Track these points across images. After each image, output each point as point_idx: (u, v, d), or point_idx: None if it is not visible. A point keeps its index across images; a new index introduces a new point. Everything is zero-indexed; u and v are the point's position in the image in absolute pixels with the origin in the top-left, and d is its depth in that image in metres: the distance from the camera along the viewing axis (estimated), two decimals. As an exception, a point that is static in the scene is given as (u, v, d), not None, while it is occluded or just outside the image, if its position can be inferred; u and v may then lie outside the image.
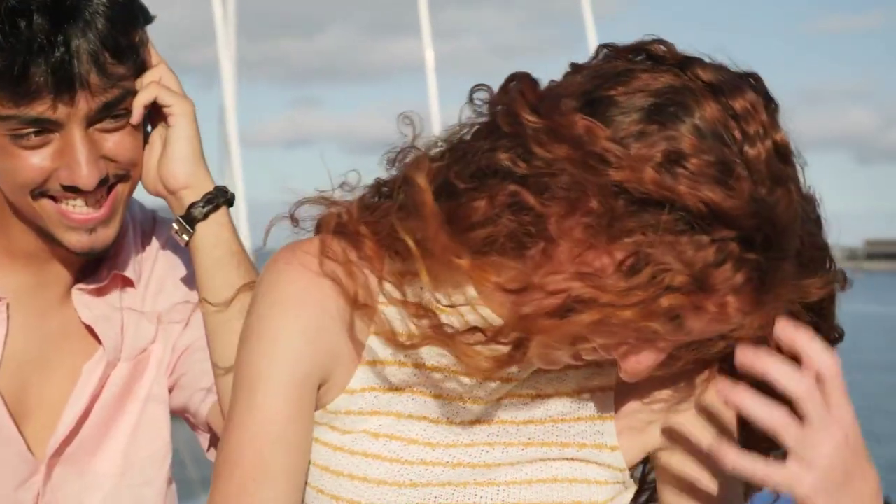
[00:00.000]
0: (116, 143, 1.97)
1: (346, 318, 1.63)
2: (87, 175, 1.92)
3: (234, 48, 18.69)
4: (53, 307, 2.09)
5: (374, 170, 1.69)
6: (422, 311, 1.58)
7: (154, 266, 2.17)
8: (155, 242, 2.18)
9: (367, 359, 1.64)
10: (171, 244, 2.16)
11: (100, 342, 2.10)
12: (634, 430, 1.70)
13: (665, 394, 1.69)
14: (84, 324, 2.09)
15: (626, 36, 1.54)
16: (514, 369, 1.60)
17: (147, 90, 1.99)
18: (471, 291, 1.57)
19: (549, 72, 1.55)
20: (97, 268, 2.10)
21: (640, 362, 1.53)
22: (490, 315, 1.58)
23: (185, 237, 2.02)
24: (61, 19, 1.86)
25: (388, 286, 1.62)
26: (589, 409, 1.69)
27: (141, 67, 2.00)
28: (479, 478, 1.65)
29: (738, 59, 1.50)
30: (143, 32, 2.00)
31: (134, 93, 1.98)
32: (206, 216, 2.00)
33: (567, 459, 1.67)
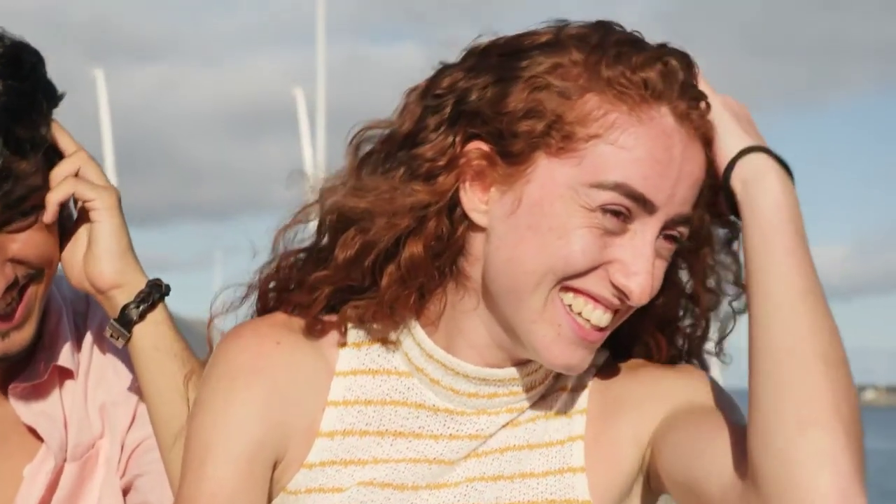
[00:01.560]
0: (25, 243, 1.85)
1: (300, 390, 1.63)
2: None
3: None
4: None
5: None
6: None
7: (92, 353, 2.03)
8: (91, 326, 2.04)
9: (324, 430, 1.63)
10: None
11: (41, 440, 1.97)
12: (609, 482, 1.65)
13: (631, 430, 1.65)
14: (24, 423, 1.97)
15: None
16: (482, 425, 1.64)
17: (62, 186, 1.86)
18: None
19: None
20: (32, 361, 1.97)
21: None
22: (423, 337, 1.65)
23: (121, 341, 1.92)
24: None
25: (342, 344, 1.66)
26: (559, 462, 1.66)
27: (51, 159, 1.87)
28: None
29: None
30: (48, 119, 1.88)
31: (44, 188, 1.85)
32: (142, 316, 1.89)
33: None
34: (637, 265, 1.57)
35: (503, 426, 1.66)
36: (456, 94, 1.61)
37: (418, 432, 1.64)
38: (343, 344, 1.67)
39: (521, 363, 1.66)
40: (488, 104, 1.58)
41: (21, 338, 1.89)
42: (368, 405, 1.65)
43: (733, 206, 1.58)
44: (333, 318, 1.67)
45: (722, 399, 1.64)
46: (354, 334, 1.68)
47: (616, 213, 1.56)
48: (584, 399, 1.69)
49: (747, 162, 1.56)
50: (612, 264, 1.57)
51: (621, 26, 1.63)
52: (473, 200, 1.60)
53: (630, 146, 1.55)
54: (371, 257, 1.62)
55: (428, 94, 1.63)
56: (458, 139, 1.60)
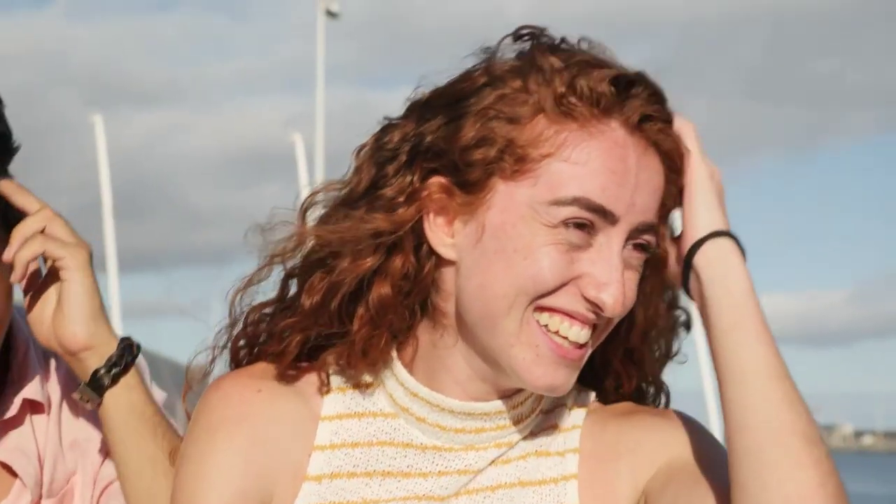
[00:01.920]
0: None
1: (283, 436, 1.64)
2: None
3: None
4: None
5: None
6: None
7: (62, 387, 1.99)
8: (59, 361, 1.99)
9: (312, 474, 1.63)
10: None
11: (15, 476, 1.94)
12: None
13: (630, 473, 1.65)
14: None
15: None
16: (471, 460, 1.64)
17: (30, 244, 1.81)
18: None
19: None
20: (2, 396, 1.95)
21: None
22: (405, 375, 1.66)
23: (91, 405, 1.87)
24: None
25: (327, 391, 1.67)
26: (552, 499, 1.66)
27: (8, 218, 1.85)
28: None
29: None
30: (5, 177, 1.86)
31: (2, 244, 1.82)
32: (114, 380, 1.84)
33: None
34: (606, 276, 1.58)
35: (493, 462, 1.66)
36: (410, 142, 1.63)
37: (406, 471, 1.65)
38: (326, 390, 1.68)
39: (506, 396, 1.67)
40: (442, 140, 1.61)
41: None
42: (356, 447, 1.66)
43: (686, 281, 1.61)
44: (313, 364, 1.68)
45: (718, 455, 1.63)
46: (337, 379, 1.69)
47: (579, 226, 1.58)
48: (575, 438, 1.69)
49: (719, 245, 1.59)
50: (581, 279, 1.58)
51: (549, 37, 1.65)
52: (439, 235, 1.63)
53: (583, 161, 1.57)
54: (337, 300, 1.64)
55: (380, 150, 1.66)
56: (416, 177, 1.62)
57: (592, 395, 1.74)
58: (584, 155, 1.57)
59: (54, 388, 1.99)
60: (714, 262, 1.58)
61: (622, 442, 1.68)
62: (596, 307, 1.59)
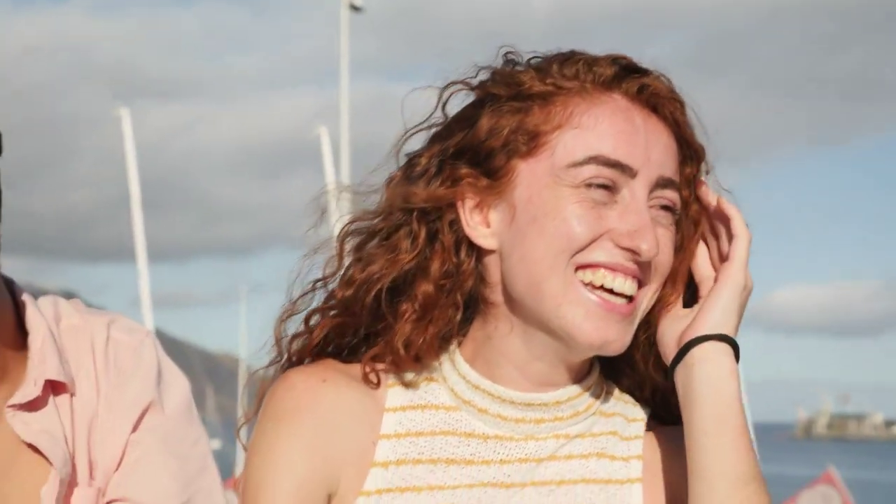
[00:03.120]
0: None
1: (349, 424, 1.71)
2: None
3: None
4: None
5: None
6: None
7: (80, 362, 2.02)
8: (74, 338, 2.02)
9: (379, 460, 1.70)
10: (90, 337, 2.03)
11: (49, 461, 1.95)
12: None
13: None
14: (27, 443, 1.95)
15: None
16: (531, 450, 1.72)
17: None
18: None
19: None
20: (24, 380, 1.97)
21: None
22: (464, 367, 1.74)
23: None
24: None
25: (392, 384, 1.74)
26: (617, 500, 1.72)
27: None
28: None
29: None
30: None
31: None
32: None
33: None
34: (636, 222, 1.66)
35: (555, 457, 1.73)
36: (437, 157, 1.73)
37: (470, 459, 1.72)
38: (391, 384, 1.76)
39: (564, 386, 1.74)
40: (464, 141, 1.73)
41: None
42: (420, 436, 1.73)
43: (675, 364, 1.70)
44: (370, 360, 1.75)
45: None
46: (400, 375, 1.76)
47: (601, 186, 1.66)
48: (638, 447, 1.77)
49: (720, 348, 1.68)
50: (612, 232, 1.67)
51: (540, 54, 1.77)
52: (477, 229, 1.73)
53: (592, 125, 1.68)
54: (372, 294, 1.73)
55: (409, 174, 1.76)
56: (446, 176, 1.73)
57: (647, 411, 1.81)
58: (593, 120, 1.68)
59: (74, 364, 2.01)
60: (711, 363, 1.67)
61: (678, 463, 1.72)
62: (633, 253, 1.66)
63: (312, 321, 1.78)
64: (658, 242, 1.66)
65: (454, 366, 1.75)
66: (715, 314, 1.69)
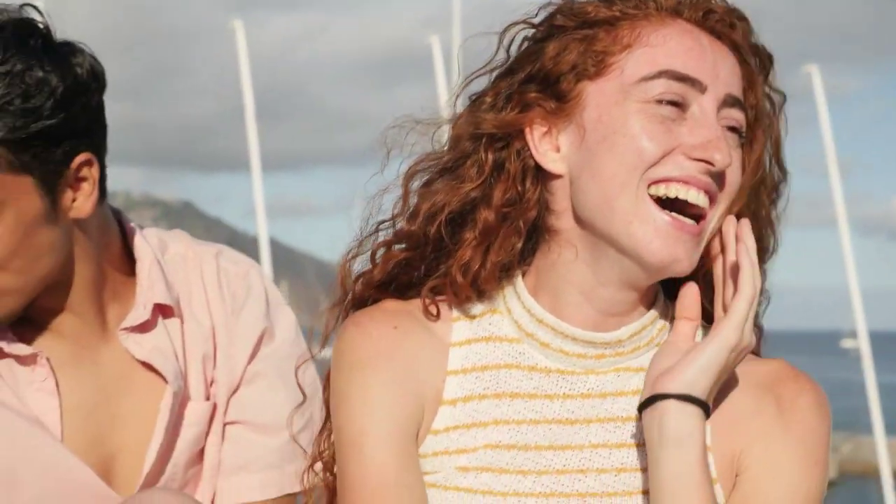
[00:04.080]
0: None
1: (422, 365, 1.75)
2: None
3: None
4: (104, 353, 2.08)
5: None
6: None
7: (191, 289, 2.15)
8: (183, 266, 2.16)
9: (447, 398, 1.74)
10: (199, 266, 2.16)
11: (164, 381, 2.09)
12: (726, 460, 1.72)
13: (755, 424, 1.72)
14: (140, 361, 2.08)
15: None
16: (592, 384, 1.73)
17: None
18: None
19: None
20: (134, 306, 2.09)
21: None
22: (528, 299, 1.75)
23: None
24: None
25: (456, 318, 1.77)
26: None
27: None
28: None
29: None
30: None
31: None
32: None
33: None
34: (707, 134, 1.66)
35: (622, 393, 1.74)
36: (505, 92, 1.75)
37: (533, 392, 1.74)
38: (455, 318, 1.79)
39: (627, 323, 1.75)
40: (532, 67, 1.74)
41: None
42: (485, 370, 1.75)
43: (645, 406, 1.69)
44: (433, 295, 1.78)
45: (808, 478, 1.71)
46: (462, 309, 1.79)
47: (671, 103, 1.68)
48: None
49: (691, 412, 1.66)
50: (684, 146, 1.67)
51: None
52: (548, 154, 1.73)
53: (661, 43, 1.69)
54: (436, 224, 1.74)
55: (476, 111, 1.77)
56: (514, 102, 1.74)
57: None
58: (661, 38, 1.69)
59: (182, 289, 2.14)
60: (674, 422, 1.65)
61: (752, 408, 1.74)
62: (706, 164, 1.66)
63: (377, 256, 1.80)
64: (728, 149, 1.66)
65: (518, 297, 1.77)
66: (689, 373, 1.67)
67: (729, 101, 1.70)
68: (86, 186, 1.98)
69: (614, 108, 1.68)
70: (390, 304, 1.80)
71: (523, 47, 1.78)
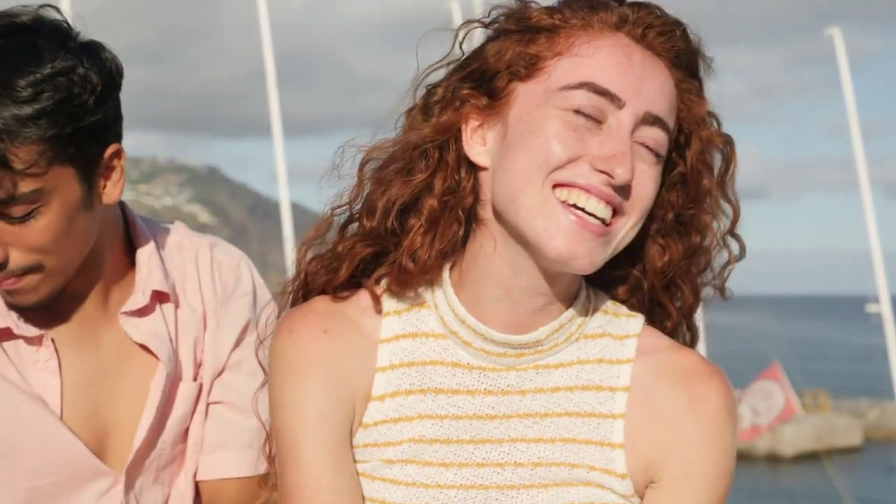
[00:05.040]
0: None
1: (352, 365, 1.81)
2: None
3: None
4: (104, 335, 2.20)
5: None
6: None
7: (186, 276, 2.27)
8: (178, 254, 2.28)
9: (375, 394, 1.81)
10: (195, 255, 2.28)
11: (156, 359, 2.21)
12: (642, 462, 1.77)
13: (670, 428, 1.78)
14: (138, 343, 2.20)
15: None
16: (512, 380, 1.79)
17: None
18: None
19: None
20: (133, 291, 2.21)
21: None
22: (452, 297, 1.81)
23: None
24: None
25: (386, 313, 1.83)
26: (600, 433, 1.78)
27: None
28: (493, 503, 1.75)
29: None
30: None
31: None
32: None
33: (582, 483, 1.76)
34: (615, 148, 1.71)
35: (540, 390, 1.80)
36: (452, 87, 1.82)
37: (456, 388, 1.80)
38: (385, 313, 1.84)
39: (544, 323, 1.80)
40: (473, 67, 1.81)
41: (26, 300, 2.11)
42: (411, 366, 1.82)
43: None
44: (365, 288, 1.84)
45: (722, 472, 1.78)
46: (391, 303, 1.84)
47: (587, 115, 1.72)
48: (626, 376, 1.81)
49: None
50: (591, 155, 1.72)
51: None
52: (475, 147, 1.80)
53: (590, 54, 1.74)
54: (392, 215, 1.80)
55: (429, 103, 1.84)
56: (454, 97, 1.81)
57: (640, 321, 1.85)
58: (591, 50, 1.74)
59: (177, 278, 2.26)
60: None
61: (668, 409, 1.79)
62: (608, 177, 1.70)
63: (340, 248, 1.85)
64: (634, 170, 1.70)
65: (444, 293, 1.82)
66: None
67: (648, 120, 1.73)
68: (115, 175, 2.11)
69: (535, 111, 1.74)
70: (321, 305, 1.85)
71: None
